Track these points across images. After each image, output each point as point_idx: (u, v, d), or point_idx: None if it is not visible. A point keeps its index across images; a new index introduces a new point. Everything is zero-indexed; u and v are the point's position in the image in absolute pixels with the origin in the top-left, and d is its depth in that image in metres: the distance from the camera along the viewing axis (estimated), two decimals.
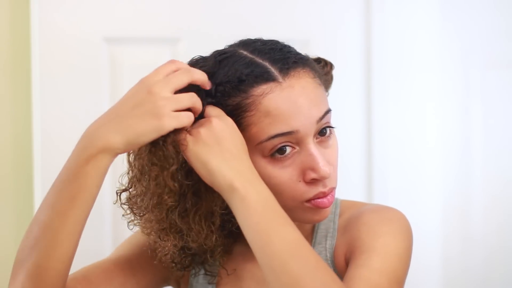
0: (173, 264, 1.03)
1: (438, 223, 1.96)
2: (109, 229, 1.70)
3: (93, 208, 1.79)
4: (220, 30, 1.74)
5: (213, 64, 0.95)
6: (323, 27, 1.86)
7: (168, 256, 1.00)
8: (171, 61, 0.93)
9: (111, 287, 1.02)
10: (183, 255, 1.01)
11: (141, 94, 0.88)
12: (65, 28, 1.69)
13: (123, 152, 0.89)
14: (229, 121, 0.92)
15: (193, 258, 1.03)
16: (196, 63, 0.97)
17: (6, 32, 1.67)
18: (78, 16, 1.70)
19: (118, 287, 1.03)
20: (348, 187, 1.86)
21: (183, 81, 0.90)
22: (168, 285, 1.13)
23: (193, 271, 1.06)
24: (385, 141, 1.91)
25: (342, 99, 1.86)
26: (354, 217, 1.02)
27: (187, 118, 0.89)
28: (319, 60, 1.05)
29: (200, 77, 0.92)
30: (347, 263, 0.98)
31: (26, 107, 1.69)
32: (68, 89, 1.70)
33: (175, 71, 0.91)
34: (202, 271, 1.06)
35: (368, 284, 0.90)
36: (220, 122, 0.91)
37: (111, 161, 0.89)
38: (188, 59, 1.00)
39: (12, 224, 1.67)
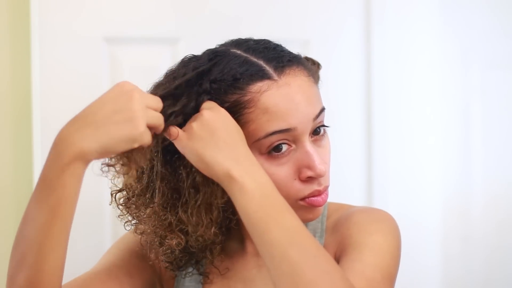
0: (168, 264, 1.02)
1: (438, 223, 1.96)
2: (109, 229, 1.70)
3: (93, 208, 1.78)
4: (220, 30, 1.74)
5: (206, 62, 0.95)
6: (323, 28, 1.86)
7: (167, 255, 1.00)
8: None
9: None
10: (181, 255, 1.01)
11: (122, 100, 0.84)
12: (65, 28, 1.68)
13: (96, 159, 0.85)
14: (222, 111, 0.91)
15: (189, 258, 1.02)
16: (188, 61, 0.97)
17: (6, 32, 1.67)
18: (78, 16, 1.70)
19: None
20: (348, 187, 1.86)
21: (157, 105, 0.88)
22: None
23: (183, 272, 1.05)
24: (385, 141, 1.91)
25: (342, 99, 1.86)
26: (343, 217, 1.03)
27: (149, 137, 0.86)
28: (306, 59, 1.05)
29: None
30: (337, 262, 0.98)
31: (27, 107, 1.69)
32: (68, 89, 1.69)
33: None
34: (194, 271, 1.05)
35: (362, 277, 0.91)
36: (211, 113, 0.91)
37: (85, 168, 0.84)
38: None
39: (12, 222, 1.67)
